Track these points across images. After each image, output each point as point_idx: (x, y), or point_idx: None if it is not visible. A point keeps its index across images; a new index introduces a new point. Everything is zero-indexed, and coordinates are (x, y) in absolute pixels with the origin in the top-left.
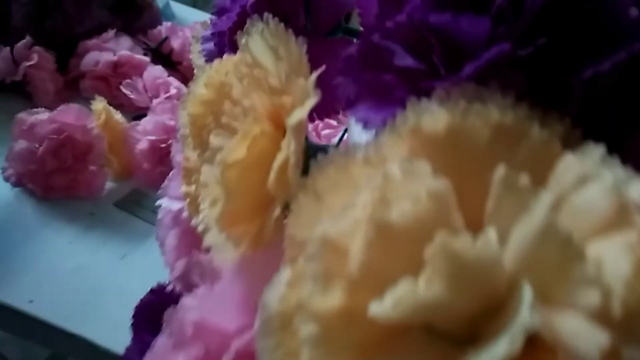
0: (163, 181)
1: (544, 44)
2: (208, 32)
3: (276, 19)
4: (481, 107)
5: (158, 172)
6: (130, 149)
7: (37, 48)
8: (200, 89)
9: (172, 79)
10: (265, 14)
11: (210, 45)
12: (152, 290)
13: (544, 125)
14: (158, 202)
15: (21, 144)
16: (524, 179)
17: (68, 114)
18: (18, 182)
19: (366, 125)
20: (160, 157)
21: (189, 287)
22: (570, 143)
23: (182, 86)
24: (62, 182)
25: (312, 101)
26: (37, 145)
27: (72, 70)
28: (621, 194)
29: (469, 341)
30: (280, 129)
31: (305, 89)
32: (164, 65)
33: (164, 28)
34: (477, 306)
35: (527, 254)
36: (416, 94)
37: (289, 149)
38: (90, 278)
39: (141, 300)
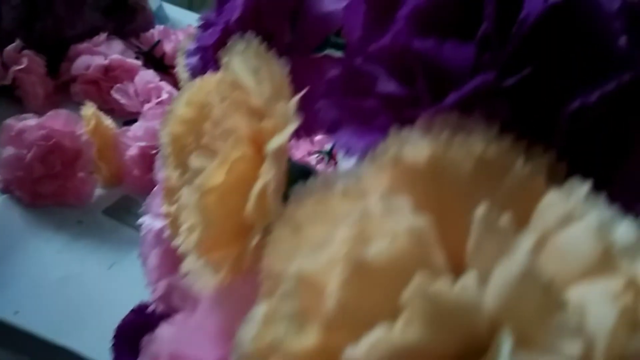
0: (153, 188)
1: (530, 73)
2: (192, 46)
3: (259, 38)
4: (464, 138)
5: (148, 178)
6: (120, 155)
7: (27, 52)
8: (181, 107)
9: (163, 84)
10: (248, 33)
11: (195, 59)
12: (133, 310)
13: (528, 158)
14: (140, 220)
15: (9, 150)
16: (505, 220)
17: (57, 119)
18: (5, 189)
19: (348, 152)
20: (151, 163)
21: (171, 308)
22: (555, 177)
23: (174, 91)
24: (50, 189)
25: (292, 126)
26: (25, 152)
27: (63, 74)
28: (606, 236)
29: None
30: (261, 152)
31: (286, 113)
32: (156, 69)
33: (156, 31)
34: (455, 351)
35: (508, 298)
36: (399, 122)
37: (268, 175)
38: (77, 288)
39: (122, 320)
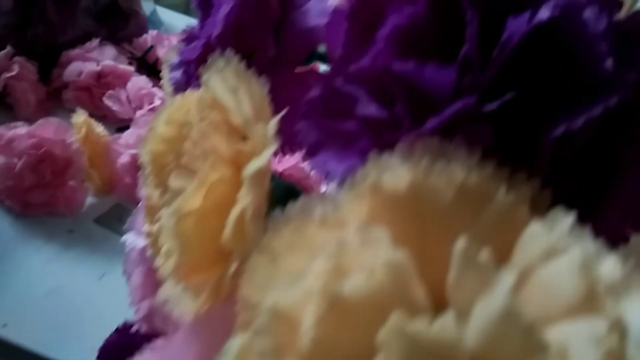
0: None
1: (512, 98)
2: (176, 60)
3: (240, 55)
4: (445, 164)
5: (140, 186)
6: (111, 163)
7: (18, 58)
8: (161, 126)
9: (156, 90)
10: (228, 50)
11: (178, 73)
12: (117, 330)
13: (510, 187)
14: (123, 238)
15: None
16: (485, 255)
17: (47, 128)
18: None
19: (327, 177)
20: None
21: (153, 330)
22: (539, 206)
23: None
24: (40, 198)
25: (271, 149)
26: (15, 161)
27: (55, 80)
28: (590, 273)
29: None
30: (241, 173)
31: (265, 135)
32: (148, 75)
33: (149, 37)
34: None
35: (488, 338)
36: (379, 145)
37: (246, 200)
38: (67, 300)
39: (106, 340)
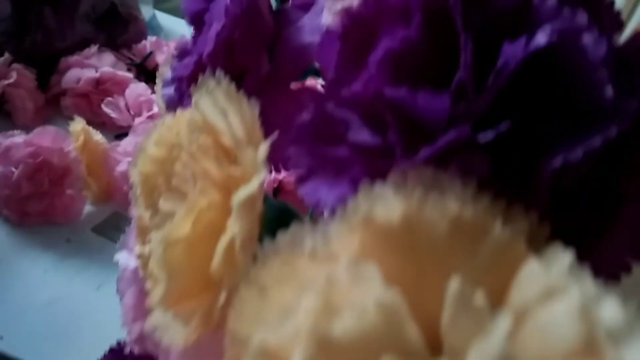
0: None
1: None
2: (169, 76)
3: (231, 75)
4: (439, 196)
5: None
6: (110, 171)
7: (16, 65)
8: (151, 147)
9: (155, 96)
10: (218, 71)
11: (171, 90)
12: (111, 350)
13: (507, 221)
14: (116, 257)
15: None
16: (480, 297)
17: (44, 136)
18: None
19: (318, 205)
20: None
21: (146, 353)
22: (536, 240)
23: None
24: (38, 207)
25: (261, 176)
26: (12, 169)
27: (53, 87)
28: (590, 317)
29: None
30: (231, 198)
31: (256, 160)
32: (147, 81)
33: (148, 43)
34: None
35: None
36: (371, 173)
37: (235, 228)
38: (64, 311)
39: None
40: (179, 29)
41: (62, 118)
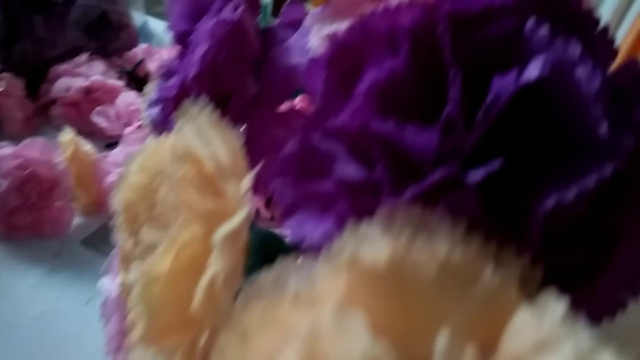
0: None
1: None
2: (154, 96)
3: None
4: (427, 237)
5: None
6: (99, 182)
7: (4, 75)
8: (133, 174)
9: None
10: (202, 97)
11: (156, 110)
12: None
13: (498, 265)
14: (100, 283)
15: None
16: (470, 353)
17: (33, 148)
18: None
19: (303, 242)
20: None
21: None
22: (529, 285)
23: None
24: (26, 220)
25: (245, 211)
26: None
27: (43, 96)
28: None
29: None
30: (213, 230)
31: (239, 194)
32: (139, 89)
33: (139, 50)
34: None
35: None
36: (357, 209)
37: (216, 266)
38: (52, 326)
39: None
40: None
41: (52, 127)
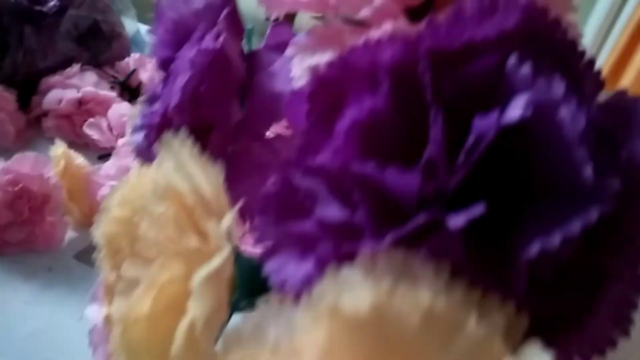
0: None
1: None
2: (138, 122)
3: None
4: (410, 284)
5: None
6: (92, 196)
7: None
8: (115, 208)
9: None
10: (183, 131)
11: (140, 137)
12: None
13: (482, 314)
14: (87, 310)
15: None
16: None
17: (24, 163)
18: None
19: (284, 286)
20: None
21: None
22: (514, 334)
23: None
24: (18, 236)
25: (226, 252)
26: None
27: (35, 108)
28: None
29: None
30: (194, 269)
31: (220, 234)
32: (131, 99)
33: (131, 60)
34: None
35: None
36: (339, 252)
37: (196, 311)
38: (46, 344)
39: None
40: None
41: (44, 140)
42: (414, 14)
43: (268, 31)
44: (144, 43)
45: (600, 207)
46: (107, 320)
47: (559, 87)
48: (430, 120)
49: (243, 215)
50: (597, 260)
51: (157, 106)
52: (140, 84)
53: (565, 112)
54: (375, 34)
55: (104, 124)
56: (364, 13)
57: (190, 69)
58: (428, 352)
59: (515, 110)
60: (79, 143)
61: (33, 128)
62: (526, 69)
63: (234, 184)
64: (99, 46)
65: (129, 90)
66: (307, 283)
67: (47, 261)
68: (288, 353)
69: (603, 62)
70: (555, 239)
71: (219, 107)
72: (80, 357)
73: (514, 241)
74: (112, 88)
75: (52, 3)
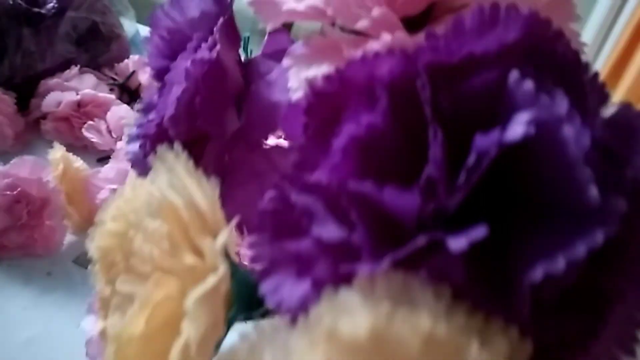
0: None
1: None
2: (133, 132)
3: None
4: (410, 308)
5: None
6: (91, 199)
7: None
8: (109, 222)
9: None
10: (177, 143)
11: (135, 146)
12: None
13: (484, 340)
14: (82, 323)
15: None
16: None
17: (22, 167)
18: None
19: (280, 307)
20: None
21: None
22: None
23: None
24: (16, 240)
25: (221, 271)
26: None
27: (34, 111)
28: None
29: None
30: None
31: (215, 252)
32: (130, 101)
33: (131, 62)
34: None
35: None
36: (336, 273)
37: (189, 332)
38: (44, 349)
39: None
40: None
41: (43, 142)
42: (412, 25)
43: (265, 38)
44: (143, 44)
45: (606, 229)
46: (102, 334)
47: (562, 104)
48: (429, 138)
49: (240, 226)
50: (601, 282)
51: (153, 116)
52: (139, 85)
53: (569, 131)
54: (373, 45)
55: (103, 127)
56: (362, 24)
57: (186, 80)
58: None
59: (518, 128)
60: (78, 145)
61: (32, 131)
62: (528, 85)
63: (231, 193)
64: (98, 48)
65: (129, 92)
66: (304, 304)
67: (46, 265)
68: None
69: (603, 62)
70: (560, 263)
71: (215, 118)
72: None
73: (516, 263)
74: (111, 90)
75: (50, 5)
